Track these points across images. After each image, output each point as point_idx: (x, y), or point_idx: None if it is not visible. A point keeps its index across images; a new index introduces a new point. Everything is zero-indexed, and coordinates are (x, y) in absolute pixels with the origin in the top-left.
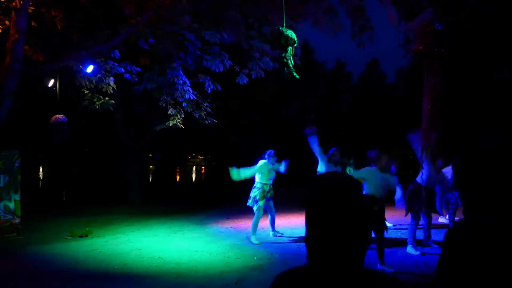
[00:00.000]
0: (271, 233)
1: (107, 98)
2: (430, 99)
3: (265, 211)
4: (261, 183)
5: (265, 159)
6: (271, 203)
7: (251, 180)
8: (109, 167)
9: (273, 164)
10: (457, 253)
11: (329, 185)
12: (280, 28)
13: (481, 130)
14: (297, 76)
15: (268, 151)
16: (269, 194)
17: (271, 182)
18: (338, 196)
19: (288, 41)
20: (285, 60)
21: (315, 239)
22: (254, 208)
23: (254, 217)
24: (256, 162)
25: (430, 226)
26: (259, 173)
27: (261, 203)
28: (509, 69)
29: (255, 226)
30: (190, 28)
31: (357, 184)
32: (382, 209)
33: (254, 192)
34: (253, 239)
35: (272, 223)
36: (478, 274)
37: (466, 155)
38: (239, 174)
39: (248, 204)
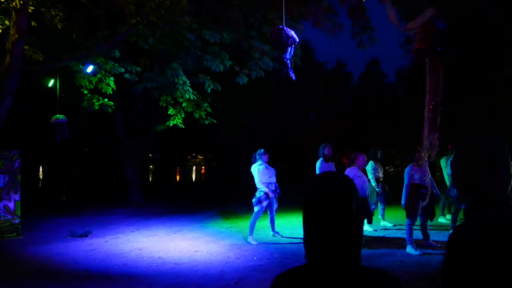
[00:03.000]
0: (271, 233)
1: (106, 99)
2: (431, 99)
3: (265, 211)
4: (263, 183)
5: (257, 160)
6: (275, 204)
7: (252, 179)
8: (109, 167)
9: (266, 161)
10: (460, 255)
11: (324, 185)
12: (282, 28)
13: (479, 130)
14: (294, 78)
15: (258, 151)
16: (276, 195)
17: (274, 179)
18: (332, 196)
19: (289, 41)
20: (285, 60)
21: (312, 239)
22: (255, 209)
23: (252, 217)
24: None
25: (426, 226)
26: (256, 176)
27: (265, 203)
28: (509, 68)
29: (253, 226)
30: (190, 28)
31: (351, 184)
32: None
33: (259, 193)
34: (250, 240)
35: (272, 223)
36: (482, 275)
37: (464, 154)
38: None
39: (252, 201)
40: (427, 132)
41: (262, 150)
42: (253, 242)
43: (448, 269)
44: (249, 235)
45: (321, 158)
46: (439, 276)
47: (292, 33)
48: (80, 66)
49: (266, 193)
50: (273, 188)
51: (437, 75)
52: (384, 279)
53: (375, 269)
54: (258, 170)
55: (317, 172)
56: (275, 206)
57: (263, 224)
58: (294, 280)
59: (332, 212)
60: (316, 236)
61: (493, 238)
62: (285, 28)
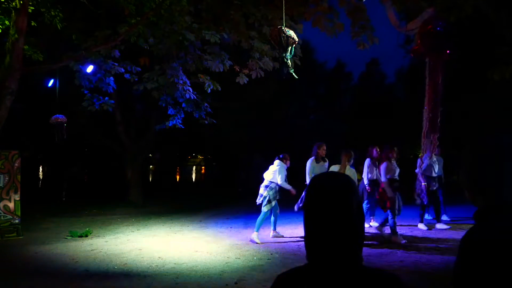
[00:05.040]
0: (271, 233)
1: (106, 98)
2: (431, 99)
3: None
4: (276, 184)
5: (281, 161)
6: (277, 203)
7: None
8: (109, 167)
9: (287, 167)
10: (474, 259)
11: (324, 185)
12: (281, 28)
13: (489, 130)
14: (296, 77)
15: (283, 155)
16: (278, 197)
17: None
18: (333, 195)
19: (288, 41)
20: (285, 60)
21: (313, 239)
22: (265, 209)
23: (261, 215)
24: (271, 163)
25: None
26: (280, 175)
27: (273, 203)
28: (508, 69)
29: (260, 224)
30: (190, 28)
31: (352, 184)
32: None
33: (268, 192)
34: (254, 236)
35: (275, 223)
36: (498, 280)
37: (479, 154)
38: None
39: (258, 202)
40: (427, 132)
41: (287, 154)
42: (257, 241)
43: (460, 274)
44: (255, 231)
45: (313, 157)
46: (451, 281)
47: (291, 32)
48: (80, 66)
49: (277, 192)
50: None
51: (437, 75)
52: (386, 279)
53: (377, 269)
54: (284, 172)
55: (307, 170)
56: (277, 204)
57: (263, 224)
58: (296, 280)
59: (333, 212)
60: (317, 236)
61: (506, 246)
62: (283, 28)
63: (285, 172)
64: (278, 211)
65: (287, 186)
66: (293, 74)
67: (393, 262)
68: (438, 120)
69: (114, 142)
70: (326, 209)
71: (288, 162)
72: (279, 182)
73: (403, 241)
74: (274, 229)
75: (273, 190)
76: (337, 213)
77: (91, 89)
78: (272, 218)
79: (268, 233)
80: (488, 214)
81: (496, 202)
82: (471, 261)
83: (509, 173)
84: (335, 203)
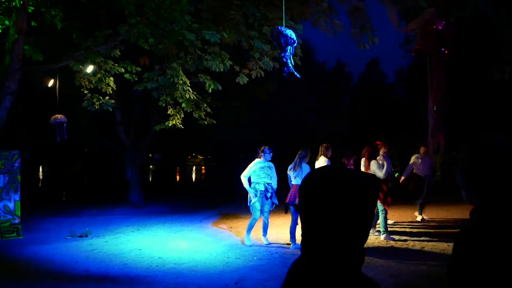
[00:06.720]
0: (262, 238)
1: (107, 98)
2: (434, 99)
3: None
4: (252, 182)
5: (259, 156)
6: (267, 207)
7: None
8: (109, 167)
9: (267, 160)
10: (469, 256)
11: (318, 178)
12: (280, 28)
13: (488, 130)
14: (298, 76)
15: (261, 148)
16: (268, 194)
17: (266, 181)
18: (324, 189)
19: (288, 41)
20: (284, 60)
21: (319, 234)
22: (251, 210)
23: (251, 218)
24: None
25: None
26: (253, 172)
27: (256, 204)
28: (509, 69)
29: (250, 227)
30: (190, 28)
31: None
32: None
33: (249, 194)
34: (245, 240)
35: (264, 228)
36: (493, 277)
37: (476, 154)
38: (245, 181)
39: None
40: (433, 132)
41: (266, 147)
42: (247, 243)
43: (455, 269)
44: (245, 235)
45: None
46: (447, 277)
47: (288, 32)
48: (80, 66)
49: (258, 191)
50: (262, 188)
51: (439, 75)
52: (363, 285)
53: (360, 274)
54: (252, 166)
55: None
56: (267, 208)
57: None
58: (297, 269)
59: (359, 208)
60: (307, 229)
61: (506, 240)
62: (281, 28)
63: (254, 167)
64: (266, 217)
65: (244, 183)
66: (295, 73)
67: (392, 261)
68: (443, 120)
69: (114, 142)
70: (352, 204)
71: (264, 154)
72: (242, 176)
73: (392, 238)
74: (264, 234)
75: (252, 190)
76: (361, 210)
77: (91, 89)
78: (262, 222)
79: (270, 234)
80: (484, 212)
81: (491, 201)
82: (465, 257)
83: (504, 173)
84: (326, 195)
